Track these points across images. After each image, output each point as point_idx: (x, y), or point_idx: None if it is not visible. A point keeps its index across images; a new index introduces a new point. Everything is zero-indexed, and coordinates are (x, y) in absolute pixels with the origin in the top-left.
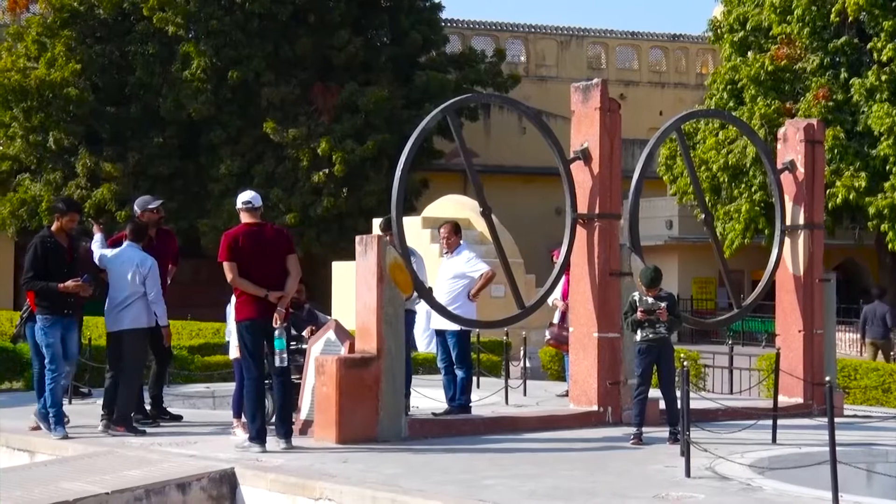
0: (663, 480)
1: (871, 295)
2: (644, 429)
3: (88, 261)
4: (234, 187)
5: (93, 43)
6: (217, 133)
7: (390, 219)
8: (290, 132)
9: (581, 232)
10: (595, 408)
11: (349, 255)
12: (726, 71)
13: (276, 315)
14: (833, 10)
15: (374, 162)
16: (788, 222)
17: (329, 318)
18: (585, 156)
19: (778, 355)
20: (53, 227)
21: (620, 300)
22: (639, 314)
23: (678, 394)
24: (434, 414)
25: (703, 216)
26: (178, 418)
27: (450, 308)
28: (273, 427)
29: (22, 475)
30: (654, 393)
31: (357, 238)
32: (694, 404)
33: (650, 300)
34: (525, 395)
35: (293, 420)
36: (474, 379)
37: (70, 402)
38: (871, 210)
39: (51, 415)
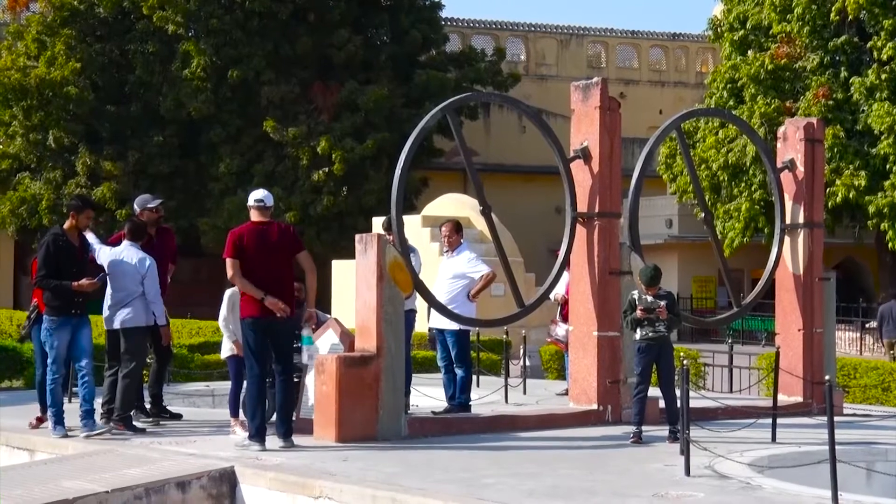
0: (663, 479)
1: (887, 295)
2: (644, 427)
3: (92, 260)
4: (234, 186)
5: (93, 41)
6: (217, 132)
7: (391, 218)
8: (290, 131)
9: (581, 231)
10: (595, 406)
11: (349, 253)
12: (726, 70)
13: (305, 316)
14: (833, 8)
15: (373, 160)
16: (788, 221)
17: (329, 316)
18: (585, 154)
19: (778, 354)
20: (66, 225)
21: (620, 299)
22: (638, 313)
23: (678, 392)
24: (434, 413)
25: (702, 215)
26: (177, 417)
27: (449, 308)
28: (272, 425)
29: (22, 474)
30: (654, 392)
31: (357, 237)
32: (693, 403)
33: (650, 299)
34: (525, 393)
35: (294, 419)
36: (474, 378)
37: (70, 402)
38: (871, 209)
39: (50, 413)
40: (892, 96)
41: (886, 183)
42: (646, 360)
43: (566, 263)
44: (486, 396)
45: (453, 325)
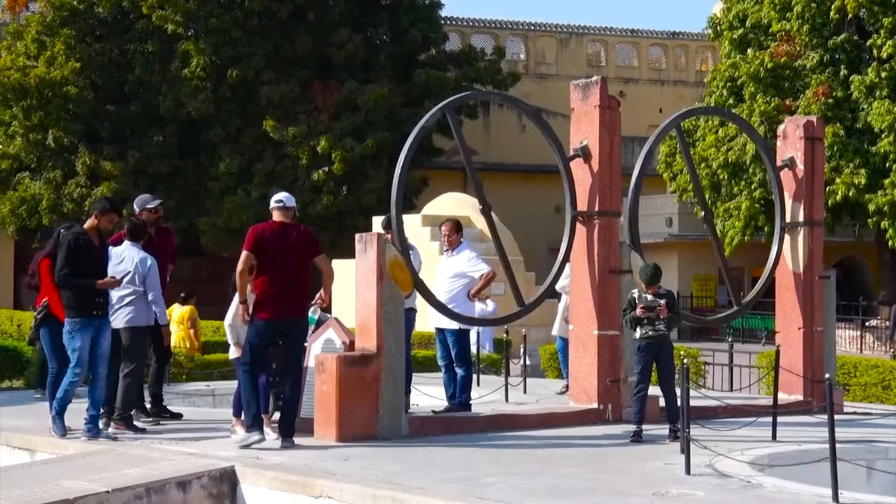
0: (663, 478)
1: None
2: (644, 426)
3: None
4: (234, 186)
5: (92, 41)
6: (217, 131)
7: (391, 217)
8: (290, 130)
9: (581, 229)
10: (595, 405)
11: (349, 253)
12: (726, 68)
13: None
14: (833, 6)
15: (373, 160)
16: (788, 219)
17: (329, 315)
18: (585, 153)
19: (778, 352)
20: (87, 225)
21: (620, 298)
22: (638, 311)
23: (678, 391)
24: (434, 412)
25: (702, 213)
26: (178, 416)
27: (449, 307)
28: (276, 424)
29: (22, 473)
30: (654, 390)
31: (357, 236)
32: (694, 402)
33: (650, 297)
34: (525, 392)
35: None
36: (474, 377)
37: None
38: (871, 207)
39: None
40: (891, 94)
41: (886, 181)
42: (646, 359)
43: (567, 259)
44: (487, 395)
45: (453, 325)
